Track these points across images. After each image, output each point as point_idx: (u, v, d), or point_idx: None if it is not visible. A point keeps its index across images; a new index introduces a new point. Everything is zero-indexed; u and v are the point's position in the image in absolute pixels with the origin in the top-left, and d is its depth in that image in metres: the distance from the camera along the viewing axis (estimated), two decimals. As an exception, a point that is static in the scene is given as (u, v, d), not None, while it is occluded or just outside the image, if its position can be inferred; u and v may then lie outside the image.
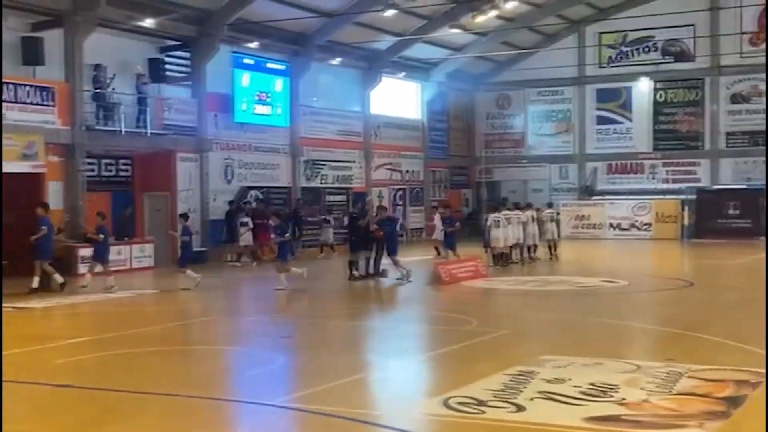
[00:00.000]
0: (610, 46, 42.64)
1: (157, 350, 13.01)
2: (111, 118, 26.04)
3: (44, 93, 24.02)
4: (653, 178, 42.19)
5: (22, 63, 23.95)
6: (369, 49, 36.51)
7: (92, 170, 26.48)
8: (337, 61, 35.44)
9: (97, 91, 25.87)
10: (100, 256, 21.01)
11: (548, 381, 9.82)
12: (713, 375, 10.14)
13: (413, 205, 40.37)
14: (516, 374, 10.16)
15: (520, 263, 26.54)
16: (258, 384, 10.58)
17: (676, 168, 41.83)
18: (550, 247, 28.20)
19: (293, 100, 33.29)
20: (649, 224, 39.75)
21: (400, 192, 40.20)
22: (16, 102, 23.19)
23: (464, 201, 45.37)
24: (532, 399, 9.06)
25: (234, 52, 30.87)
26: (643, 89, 42.28)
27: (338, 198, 35.35)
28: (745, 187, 38.73)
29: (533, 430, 8.12)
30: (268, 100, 32.15)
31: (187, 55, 29.55)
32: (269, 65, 32.31)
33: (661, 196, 40.79)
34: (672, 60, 41.57)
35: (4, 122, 22.64)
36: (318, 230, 32.24)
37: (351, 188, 36.33)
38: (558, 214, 32.06)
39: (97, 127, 25.56)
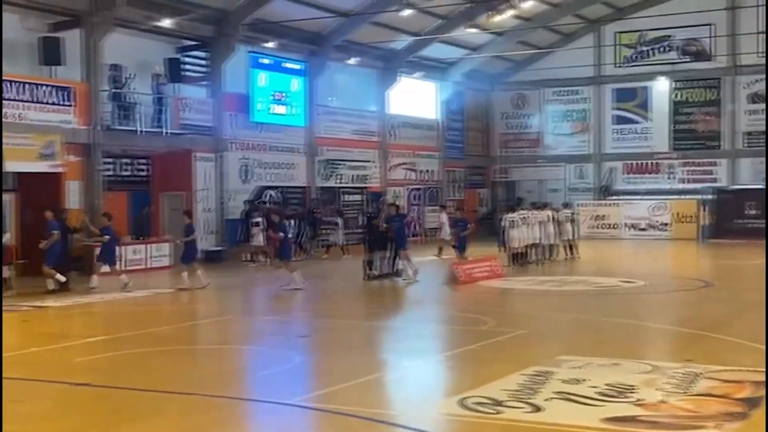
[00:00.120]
0: (627, 46, 42.47)
1: (174, 349, 13.06)
2: (129, 118, 26.15)
3: (63, 93, 24.14)
4: (671, 178, 42.01)
5: (41, 63, 24.07)
6: (386, 49, 36.51)
7: (110, 170, 26.59)
8: (353, 60, 35.46)
9: (116, 91, 25.99)
10: (106, 256, 21.04)
11: (565, 381, 9.81)
12: (731, 376, 10.09)
13: (430, 205, 40.32)
14: (533, 374, 10.15)
15: (537, 263, 26.50)
16: (275, 383, 10.60)
17: (694, 168, 41.63)
18: (566, 248, 28.17)
19: (310, 99, 33.34)
20: (667, 224, 39.60)
21: (417, 192, 40.18)
22: (35, 102, 23.32)
23: (481, 201, 45.30)
24: (549, 399, 9.04)
25: (251, 52, 30.95)
26: (661, 89, 42.11)
27: (355, 198, 35.36)
28: (763, 187, 38.43)
29: (550, 430, 8.12)
30: (285, 99, 32.22)
31: (205, 55, 29.66)
32: (286, 65, 32.37)
33: (679, 196, 40.61)
34: (690, 59, 41.37)
35: (23, 122, 22.82)
36: (330, 230, 32.11)
37: (367, 188, 36.34)
38: (575, 214, 31.99)
39: (115, 127, 25.68)
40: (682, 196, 40.48)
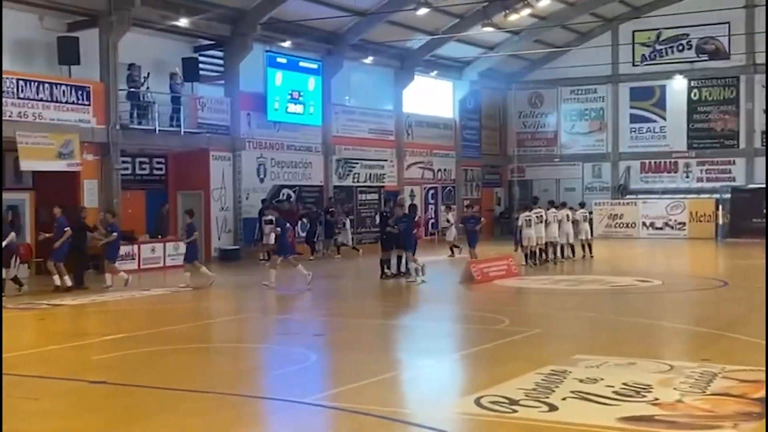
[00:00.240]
0: (644, 44, 42.33)
1: (189, 347, 13.10)
2: (146, 117, 26.25)
3: (80, 92, 24.26)
4: (688, 177, 41.84)
5: (58, 62, 24.24)
6: (401, 48, 36.52)
7: (127, 169, 26.71)
8: (369, 59, 35.47)
9: (132, 90, 26.08)
10: (109, 252, 21.09)
11: (581, 381, 9.78)
12: (748, 376, 10.04)
13: (445, 204, 40.29)
14: (548, 374, 10.12)
15: (553, 262, 26.45)
16: (290, 381, 10.61)
17: (711, 167, 41.46)
18: (583, 246, 28.12)
19: (326, 98, 33.38)
20: (684, 223, 39.46)
21: (433, 191, 40.18)
22: (52, 101, 23.44)
23: (497, 200, 45.28)
24: (564, 398, 9.02)
25: (267, 51, 31.01)
26: (677, 87, 41.95)
27: (371, 197, 35.38)
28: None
29: (566, 429, 8.09)
30: (301, 99, 32.26)
31: (221, 54, 29.76)
32: (302, 64, 32.42)
33: (695, 196, 40.47)
34: (707, 58, 41.20)
35: (41, 121, 22.95)
36: (339, 229, 32.03)
37: (383, 187, 36.33)
38: (591, 213, 31.93)
39: (132, 126, 25.78)
40: (699, 196, 40.35)
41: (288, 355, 12.57)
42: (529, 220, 25.55)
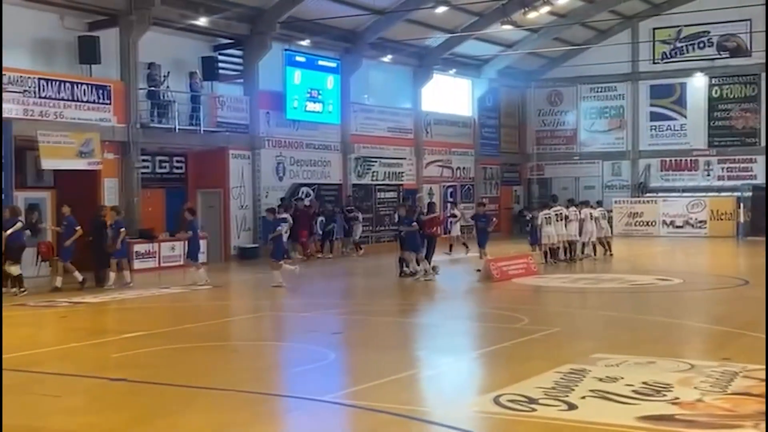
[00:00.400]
0: (664, 42, 42.12)
1: (209, 345, 13.15)
2: (165, 116, 26.35)
3: (100, 91, 24.39)
4: (708, 175, 41.61)
5: (78, 62, 24.38)
6: (420, 46, 36.50)
7: (147, 167, 26.81)
8: (388, 58, 35.47)
9: (152, 89, 26.19)
10: (120, 251, 21.05)
11: (600, 379, 9.75)
12: (769, 375, 9.98)
13: (464, 202, 40.24)
14: (567, 372, 10.10)
15: (573, 260, 26.35)
16: (309, 379, 10.64)
17: (732, 165, 41.20)
18: (603, 245, 28.02)
19: (344, 97, 33.40)
20: (704, 222, 39.27)
21: (451, 189, 40.14)
22: (72, 100, 23.57)
23: (515, 198, 45.19)
24: (584, 397, 9.00)
25: (286, 49, 31.05)
26: (697, 85, 41.71)
27: (389, 195, 35.37)
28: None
29: (585, 428, 8.06)
30: (320, 97, 32.29)
31: (240, 53, 29.83)
32: (321, 63, 32.44)
33: (716, 194, 40.26)
34: (728, 55, 40.94)
35: (62, 120, 23.08)
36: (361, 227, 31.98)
37: (402, 185, 36.32)
38: (610, 212, 31.81)
39: (151, 125, 25.88)
40: (720, 194, 40.13)
41: (306, 353, 12.59)
42: (549, 217, 25.50)
